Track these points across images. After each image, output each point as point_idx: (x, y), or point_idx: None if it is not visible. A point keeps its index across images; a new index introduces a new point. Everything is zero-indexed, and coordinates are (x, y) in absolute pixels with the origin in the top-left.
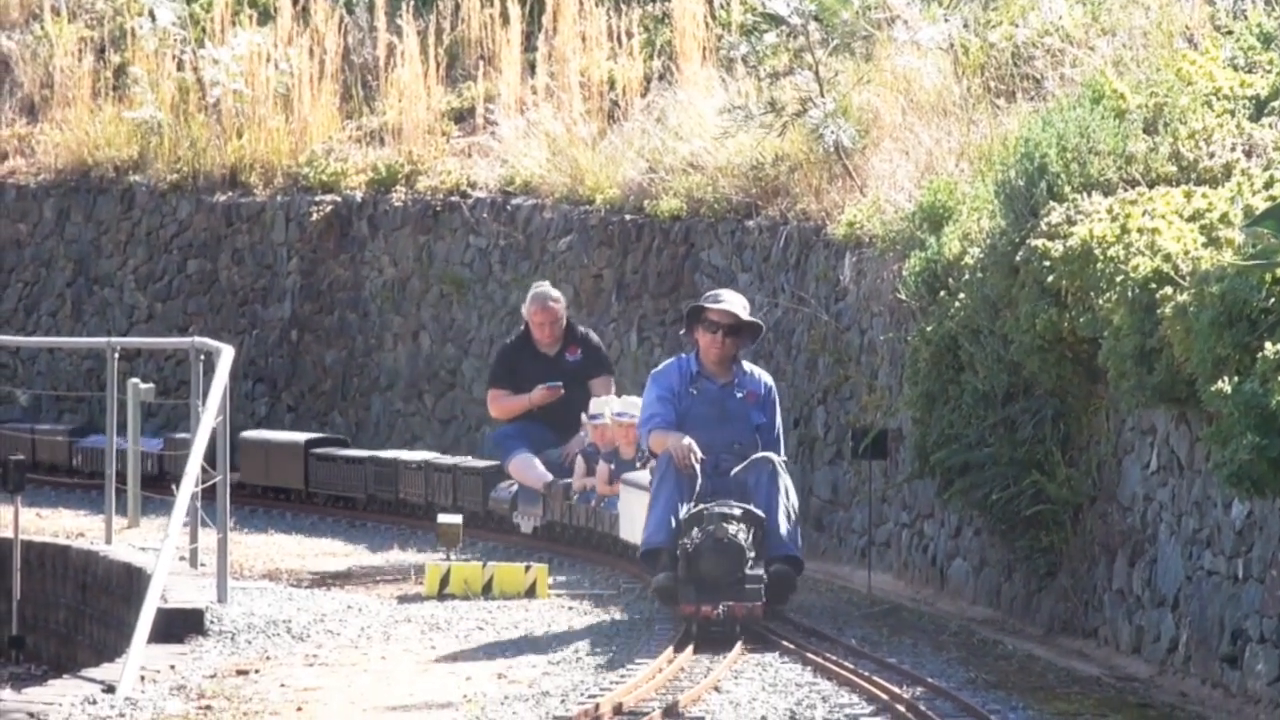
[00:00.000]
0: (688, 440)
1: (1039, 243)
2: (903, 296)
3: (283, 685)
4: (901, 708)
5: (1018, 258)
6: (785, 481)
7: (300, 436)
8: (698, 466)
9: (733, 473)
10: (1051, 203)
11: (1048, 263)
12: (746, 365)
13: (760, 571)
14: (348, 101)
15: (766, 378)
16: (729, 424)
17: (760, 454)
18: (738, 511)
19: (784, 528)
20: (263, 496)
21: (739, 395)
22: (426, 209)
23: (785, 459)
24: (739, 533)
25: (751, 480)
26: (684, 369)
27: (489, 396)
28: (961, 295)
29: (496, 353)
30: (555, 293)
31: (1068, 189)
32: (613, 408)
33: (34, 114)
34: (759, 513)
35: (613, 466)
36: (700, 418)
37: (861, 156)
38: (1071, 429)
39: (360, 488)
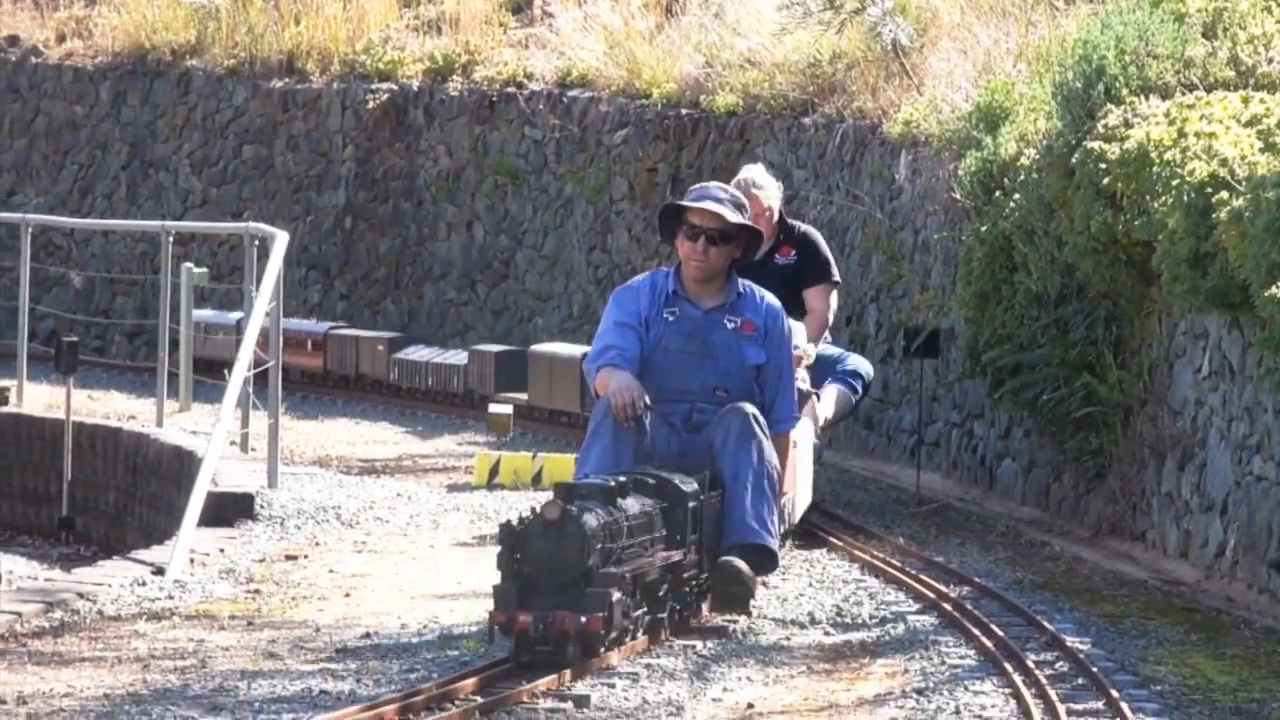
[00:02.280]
0: (629, 383)
1: (1095, 145)
2: (957, 196)
3: (331, 571)
4: (948, 606)
5: (1074, 160)
6: (762, 445)
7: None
8: (646, 419)
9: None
10: (1109, 105)
11: (1104, 165)
12: (745, 285)
13: (622, 571)
14: None
15: (773, 301)
16: (712, 362)
17: (733, 405)
18: (651, 482)
19: (748, 505)
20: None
21: (730, 325)
22: (483, 99)
23: (800, 419)
24: (591, 513)
25: (718, 440)
26: (658, 287)
27: None
28: (1016, 196)
29: None
30: (764, 176)
31: (1125, 92)
32: None
33: None
34: (688, 487)
35: None
36: (674, 353)
37: (919, 55)
38: (1124, 332)
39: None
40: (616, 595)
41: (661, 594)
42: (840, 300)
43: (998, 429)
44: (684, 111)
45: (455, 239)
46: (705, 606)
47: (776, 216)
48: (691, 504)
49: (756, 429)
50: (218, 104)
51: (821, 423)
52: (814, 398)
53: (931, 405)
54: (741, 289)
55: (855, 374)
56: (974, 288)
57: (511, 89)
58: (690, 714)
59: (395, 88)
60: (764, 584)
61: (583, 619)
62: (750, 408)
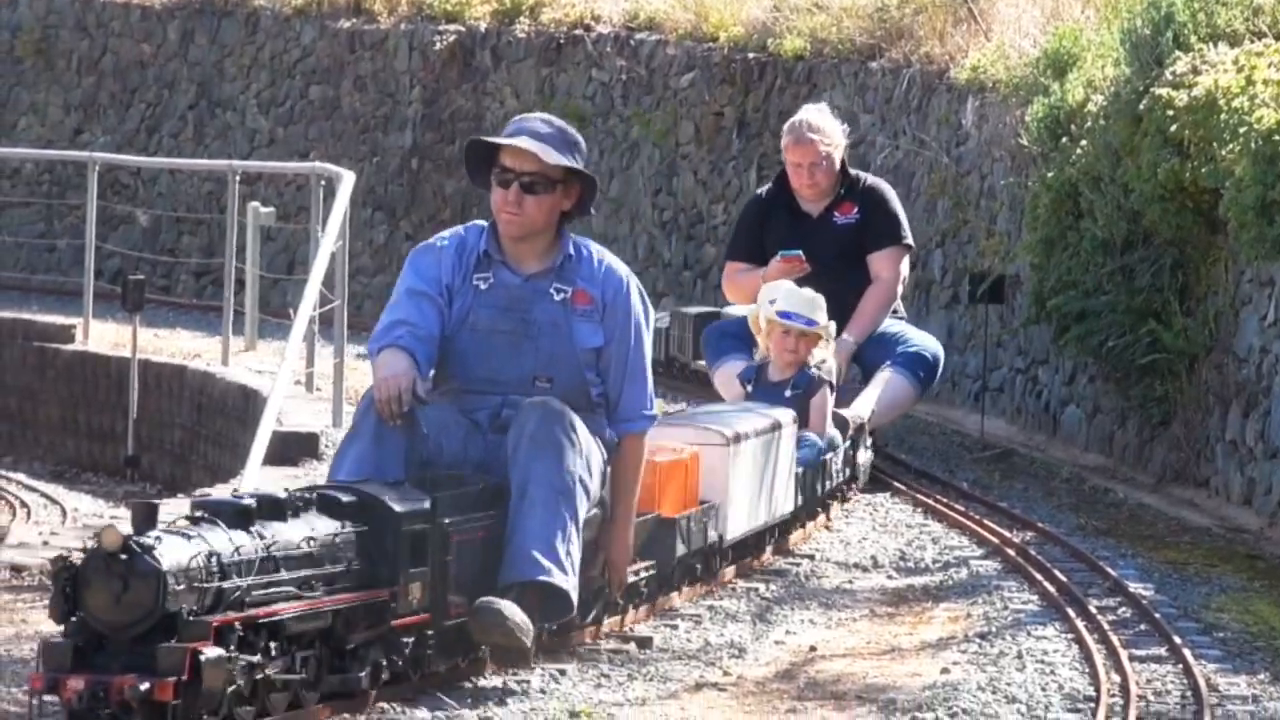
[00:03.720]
0: (399, 369)
1: (1163, 92)
2: (1024, 142)
3: None
4: (1011, 551)
5: (1141, 106)
6: (563, 451)
7: None
8: (421, 415)
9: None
10: (1177, 52)
11: (1171, 112)
12: (583, 245)
13: (224, 619)
14: None
15: (616, 267)
16: (531, 342)
17: (536, 399)
18: (346, 499)
19: (533, 531)
20: None
21: (557, 296)
22: (550, 41)
23: (653, 413)
24: (182, 540)
25: (510, 443)
26: (468, 246)
27: (724, 273)
28: (1084, 142)
29: (740, 211)
30: (823, 118)
31: (1194, 39)
32: (778, 297)
33: None
34: (407, 505)
35: (749, 390)
36: (483, 331)
37: (987, 1)
38: (1190, 279)
39: None
40: (212, 653)
41: (354, 648)
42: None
43: (1062, 375)
44: (751, 55)
45: None
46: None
47: (838, 166)
48: (411, 527)
49: (560, 430)
50: (285, 44)
51: (866, 418)
52: (826, 388)
53: (996, 351)
54: (575, 250)
55: (919, 358)
56: (1040, 234)
57: (579, 31)
58: (753, 656)
59: (462, 29)
60: (827, 527)
61: (145, 685)
62: (555, 402)
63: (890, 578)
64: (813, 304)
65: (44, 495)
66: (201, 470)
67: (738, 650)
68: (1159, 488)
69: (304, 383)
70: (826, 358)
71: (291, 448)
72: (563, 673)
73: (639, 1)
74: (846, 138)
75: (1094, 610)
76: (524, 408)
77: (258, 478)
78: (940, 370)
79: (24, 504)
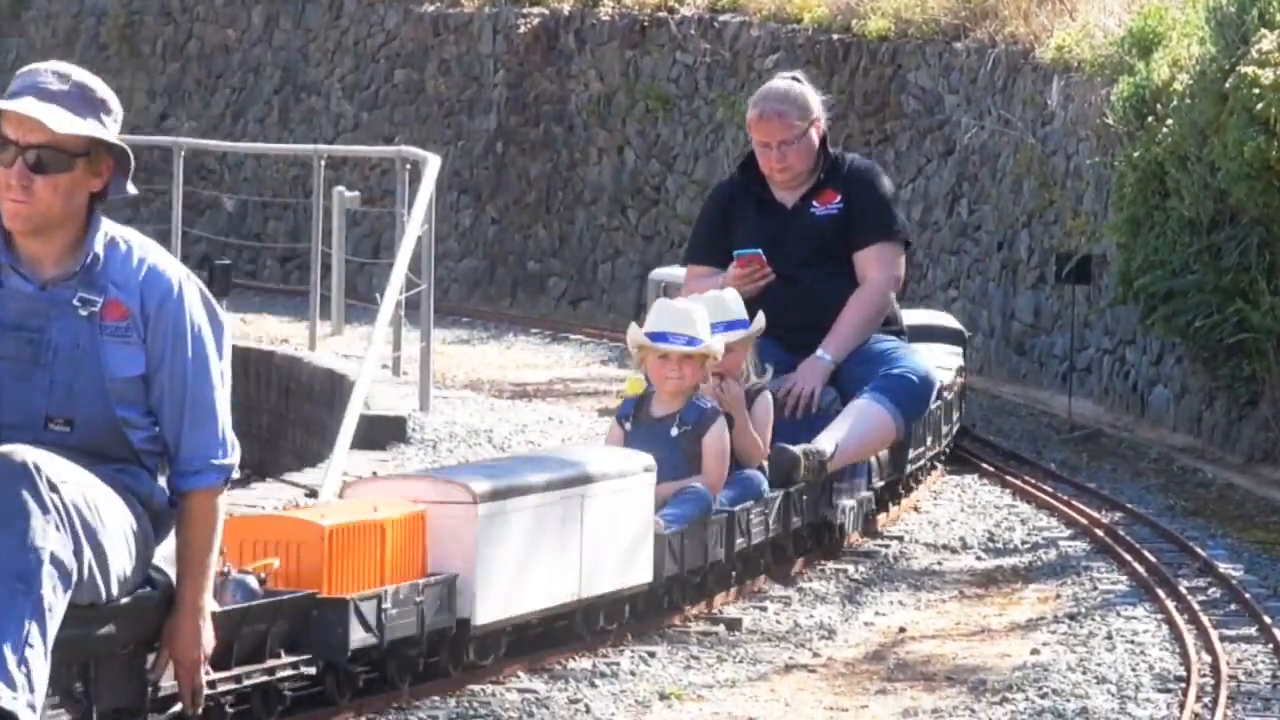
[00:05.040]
0: None
1: (1249, 70)
2: (1110, 122)
3: None
4: (1100, 532)
5: (1227, 85)
6: (30, 524)
7: None
8: None
9: None
10: (1263, 30)
11: (1257, 90)
12: (121, 237)
13: None
14: None
15: (170, 269)
16: (47, 372)
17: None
18: None
19: None
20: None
21: (83, 309)
22: (634, 24)
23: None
24: None
25: None
26: None
27: (684, 280)
28: (1169, 121)
29: (703, 203)
30: (795, 87)
31: (1279, 16)
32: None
33: None
34: None
35: (627, 429)
36: None
37: None
38: (1277, 258)
39: None
40: None
41: None
42: (990, 225)
43: (1150, 355)
44: (835, 36)
45: (606, 164)
46: None
47: (816, 145)
48: None
49: (16, 491)
50: (369, 28)
51: (829, 455)
52: (721, 422)
53: (1083, 331)
54: (108, 246)
55: (902, 384)
56: (1126, 213)
57: (663, 13)
58: (842, 637)
59: (546, 12)
60: (915, 508)
61: None
62: (19, 451)
63: (979, 559)
64: (687, 317)
65: None
66: (290, 455)
67: (827, 631)
68: (1247, 467)
69: (391, 367)
70: (752, 376)
71: (379, 432)
72: (652, 654)
73: None
74: (823, 111)
75: (1184, 590)
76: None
77: (346, 462)
78: (930, 399)
79: None
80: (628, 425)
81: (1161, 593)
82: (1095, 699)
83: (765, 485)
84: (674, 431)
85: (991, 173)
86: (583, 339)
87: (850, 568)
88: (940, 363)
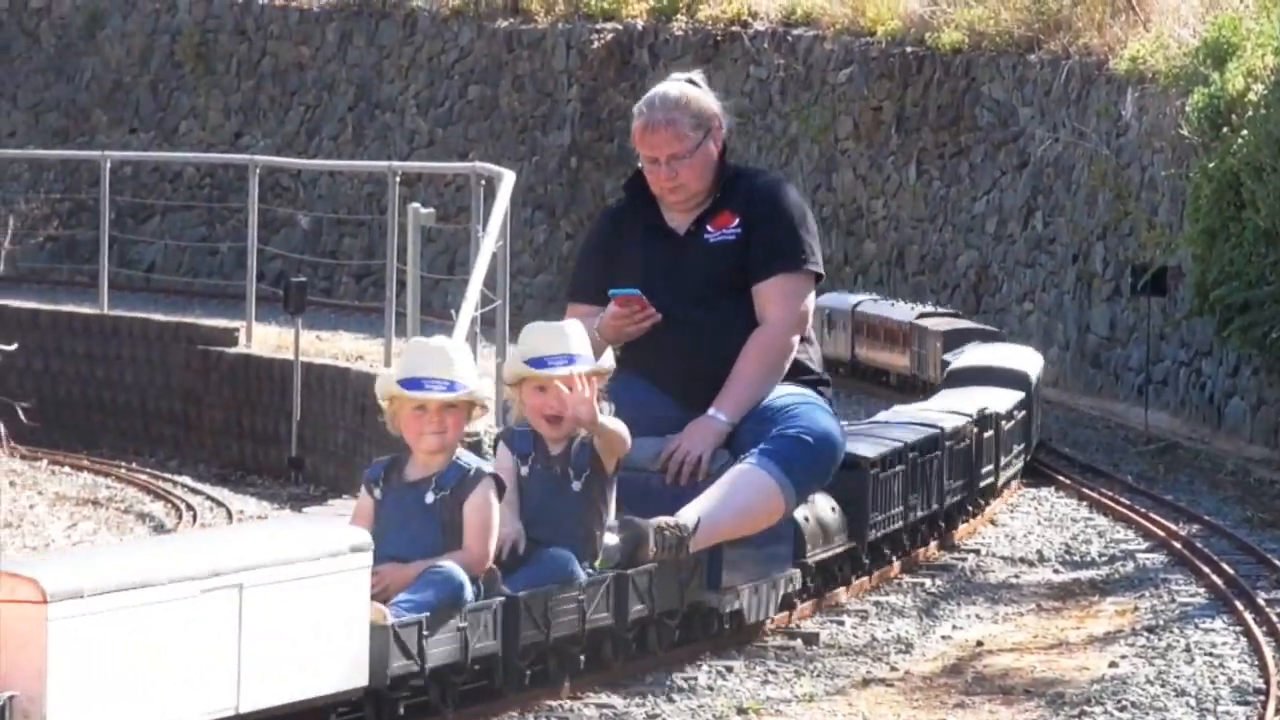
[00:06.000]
0: None
1: None
2: (1185, 133)
3: None
4: (1177, 545)
5: None
6: None
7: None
8: None
9: None
10: None
11: None
12: None
13: None
14: None
15: None
16: None
17: None
18: None
19: None
20: None
21: None
22: (707, 38)
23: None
24: None
25: None
26: None
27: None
28: (1245, 132)
29: (585, 231)
30: (688, 91)
31: None
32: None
33: None
34: None
35: (376, 494)
36: None
37: None
38: None
39: None
40: None
41: None
42: (1065, 238)
43: (1226, 367)
44: (909, 49)
45: None
46: None
47: (714, 158)
48: None
49: None
50: (443, 44)
51: (691, 529)
52: (487, 484)
53: (1159, 343)
54: None
55: (796, 447)
56: (1202, 225)
57: (736, 28)
58: (919, 651)
59: (620, 27)
60: (992, 521)
61: None
62: None
63: (1056, 572)
64: (444, 356)
65: (209, 498)
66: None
67: (904, 645)
68: None
69: None
70: (602, 419)
71: None
72: (730, 669)
73: None
74: (726, 120)
75: (1262, 602)
76: None
77: None
78: (833, 464)
79: (190, 507)
80: (377, 492)
81: (1240, 605)
82: (1174, 712)
83: (573, 567)
84: (429, 498)
85: (1066, 185)
86: None
87: (927, 581)
88: (990, 404)
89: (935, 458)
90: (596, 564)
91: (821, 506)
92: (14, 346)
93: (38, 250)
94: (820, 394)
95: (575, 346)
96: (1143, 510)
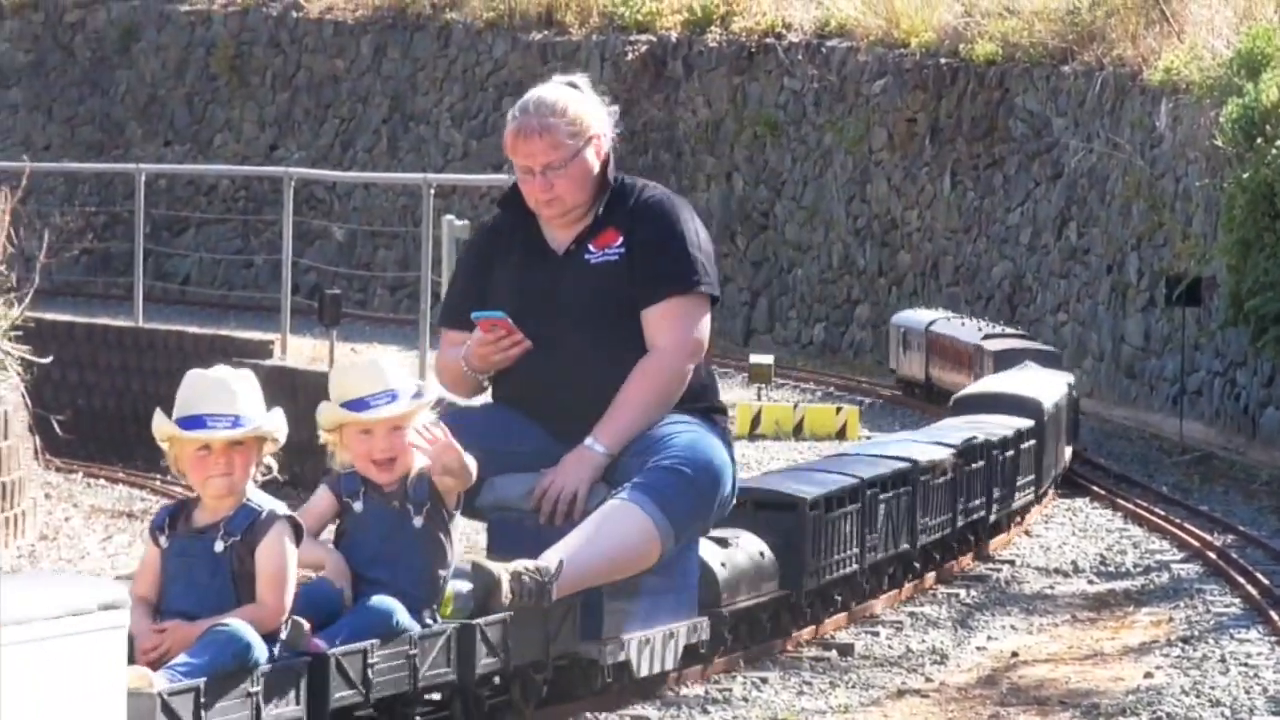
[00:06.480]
0: None
1: None
2: (1219, 143)
3: None
4: (1212, 555)
5: None
6: None
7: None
8: None
9: None
10: None
11: None
12: None
13: None
14: None
15: None
16: None
17: None
18: None
19: None
20: None
21: None
22: (741, 50)
23: None
24: None
25: None
26: None
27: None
28: (1279, 143)
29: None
30: (566, 95)
31: None
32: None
33: None
34: None
35: (163, 542)
36: None
37: (1179, 1)
38: None
39: None
40: None
41: None
42: (1100, 249)
43: (1260, 377)
44: (943, 60)
45: (714, 190)
46: None
47: (595, 169)
48: None
49: None
50: (477, 57)
51: (553, 572)
52: (280, 527)
53: (1194, 354)
54: None
55: (672, 480)
56: (1236, 235)
57: (770, 39)
58: (954, 662)
59: (654, 39)
60: (1027, 532)
61: None
62: None
63: (1091, 582)
64: (225, 388)
65: None
66: None
67: (939, 656)
68: None
69: None
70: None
71: None
72: (765, 680)
73: (830, 8)
74: (610, 127)
75: None
76: None
77: None
78: (716, 496)
79: None
80: (163, 540)
81: (1275, 615)
82: None
83: (399, 617)
84: (219, 546)
85: (1100, 196)
86: None
87: (962, 592)
88: (987, 433)
89: (904, 495)
90: (445, 611)
91: (748, 550)
92: (49, 359)
93: (73, 263)
94: (713, 423)
95: (394, 381)
96: (1177, 520)
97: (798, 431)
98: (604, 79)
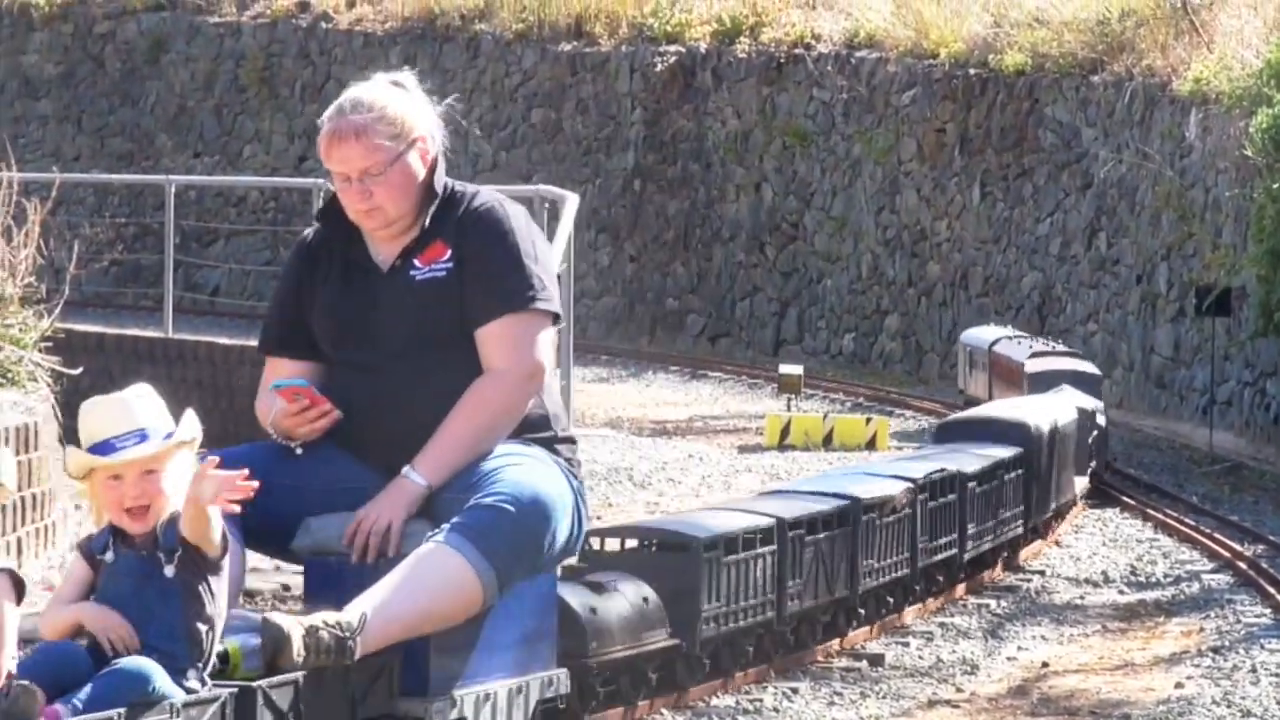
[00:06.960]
0: None
1: None
2: (1249, 153)
3: None
4: (1242, 565)
5: None
6: None
7: None
8: None
9: None
10: None
11: None
12: None
13: None
14: None
15: None
16: None
17: None
18: None
19: None
20: None
21: None
22: (770, 61)
23: None
24: None
25: None
26: None
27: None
28: None
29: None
30: (382, 93)
31: None
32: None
33: None
34: None
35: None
36: None
37: (1209, 12)
38: None
39: None
40: None
41: None
42: (1130, 259)
43: None
44: (972, 71)
45: (744, 200)
46: None
47: (420, 176)
48: None
49: None
50: (506, 68)
51: (356, 628)
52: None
53: (1224, 364)
54: None
55: (490, 519)
56: (1266, 245)
57: (799, 50)
58: (985, 672)
59: (683, 50)
60: (1057, 542)
61: None
62: None
63: (1121, 593)
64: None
65: None
66: None
67: (970, 666)
68: None
69: None
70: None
71: None
72: (795, 690)
73: (859, 19)
74: (437, 130)
75: None
76: None
77: None
78: (545, 536)
79: None
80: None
81: None
82: None
83: (157, 683)
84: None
85: (1130, 206)
86: (721, 375)
87: (992, 602)
88: (959, 465)
89: (842, 534)
90: (234, 674)
91: (628, 595)
92: (79, 370)
93: (103, 274)
94: (555, 453)
95: (144, 419)
96: (1208, 531)
97: (827, 442)
98: (632, 90)
